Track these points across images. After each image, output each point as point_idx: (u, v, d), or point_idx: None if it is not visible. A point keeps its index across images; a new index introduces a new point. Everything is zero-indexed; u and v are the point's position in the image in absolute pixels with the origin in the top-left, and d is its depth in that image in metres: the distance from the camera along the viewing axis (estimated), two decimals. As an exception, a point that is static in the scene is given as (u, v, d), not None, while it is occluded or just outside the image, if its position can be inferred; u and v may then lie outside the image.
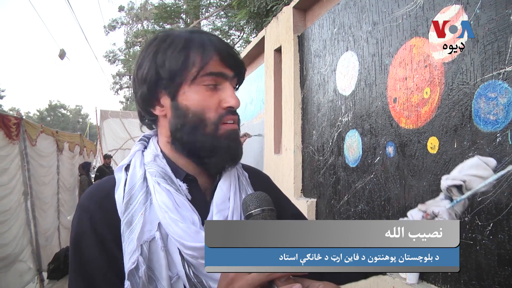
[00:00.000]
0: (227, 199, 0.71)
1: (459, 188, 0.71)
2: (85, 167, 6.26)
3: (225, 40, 0.76)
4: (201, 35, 0.70)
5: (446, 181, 0.72)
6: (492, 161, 0.72)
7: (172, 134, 0.70)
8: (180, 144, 0.70)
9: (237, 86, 0.76)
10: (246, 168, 0.84)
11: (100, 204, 0.66)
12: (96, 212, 0.65)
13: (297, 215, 0.90)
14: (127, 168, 0.70)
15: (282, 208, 0.82)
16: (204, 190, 0.73)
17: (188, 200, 0.68)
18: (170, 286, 0.64)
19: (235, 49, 0.73)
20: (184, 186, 0.69)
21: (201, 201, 0.70)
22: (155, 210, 0.65)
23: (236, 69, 0.70)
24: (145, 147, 0.75)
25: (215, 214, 0.69)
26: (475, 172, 0.71)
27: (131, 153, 0.73)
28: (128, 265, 0.61)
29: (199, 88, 0.67)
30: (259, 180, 0.84)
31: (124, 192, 0.66)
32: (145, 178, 0.68)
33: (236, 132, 0.70)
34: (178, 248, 0.64)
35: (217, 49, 0.68)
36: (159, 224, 0.65)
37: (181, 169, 0.71)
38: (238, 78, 0.73)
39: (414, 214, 0.74)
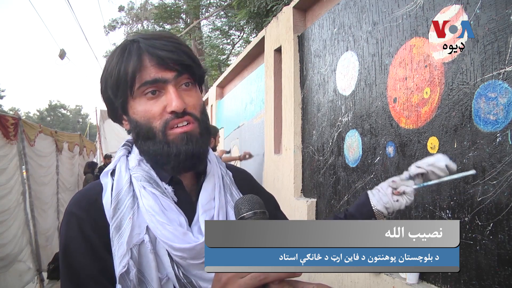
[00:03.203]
0: (212, 199, 0.72)
1: (423, 175, 0.87)
2: (90, 166, 6.51)
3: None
4: (135, 44, 0.67)
5: (416, 168, 0.88)
6: (453, 166, 0.87)
7: (135, 145, 0.73)
8: (143, 155, 0.71)
9: (199, 78, 0.72)
10: (230, 167, 0.85)
11: (88, 210, 0.66)
12: (84, 219, 0.65)
13: (277, 206, 0.93)
14: (112, 173, 0.71)
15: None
16: (190, 191, 0.74)
17: (175, 202, 0.68)
18: (161, 287, 0.65)
19: (177, 47, 0.67)
20: (170, 188, 0.70)
21: (187, 202, 0.71)
22: (142, 214, 0.66)
23: (177, 67, 0.66)
24: (129, 152, 0.75)
25: (201, 214, 0.69)
26: (435, 169, 0.86)
27: (115, 159, 0.74)
28: (119, 269, 0.62)
29: (141, 99, 0.67)
30: (243, 179, 0.85)
31: (111, 197, 0.66)
32: (131, 183, 0.68)
33: (189, 133, 0.67)
34: (167, 250, 0.65)
35: (146, 55, 0.65)
36: (147, 227, 0.65)
37: (165, 172, 0.71)
38: (192, 74, 0.69)
39: (384, 187, 0.88)
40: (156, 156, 0.68)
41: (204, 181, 0.73)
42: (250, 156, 3.93)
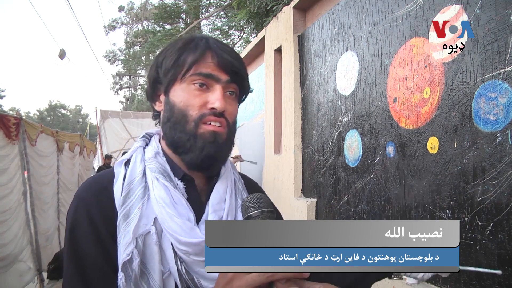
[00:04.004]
0: (222, 200, 0.73)
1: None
2: None
3: (226, 41, 0.77)
4: (204, 39, 0.72)
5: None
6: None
7: (162, 127, 0.74)
8: (166, 138, 0.73)
9: (241, 96, 0.77)
10: (243, 176, 0.87)
11: (97, 196, 0.67)
12: (92, 204, 0.66)
13: None
14: (127, 163, 0.72)
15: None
16: (200, 190, 0.75)
17: (185, 198, 0.69)
18: (162, 281, 0.65)
19: (238, 58, 0.74)
20: (181, 184, 0.71)
21: (196, 201, 0.72)
22: (152, 206, 0.67)
23: (232, 74, 0.71)
24: (147, 144, 0.77)
25: (210, 213, 0.70)
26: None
27: (132, 149, 0.75)
28: (122, 256, 0.63)
29: (188, 86, 0.69)
30: (254, 189, 0.86)
31: (123, 186, 0.68)
32: (144, 174, 0.70)
33: (218, 135, 0.69)
34: (172, 244, 0.66)
35: (211, 52, 0.69)
36: (155, 219, 0.66)
37: (179, 168, 0.73)
38: (240, 87, 0.74)
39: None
40: (179, 142, 0.70)
41: (217, 183, 0.75)
42: (241, 159, 3.94)
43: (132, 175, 0.69)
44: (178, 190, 0.69)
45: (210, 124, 0.69)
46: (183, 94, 0.69)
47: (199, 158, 0.69)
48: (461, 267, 0.84)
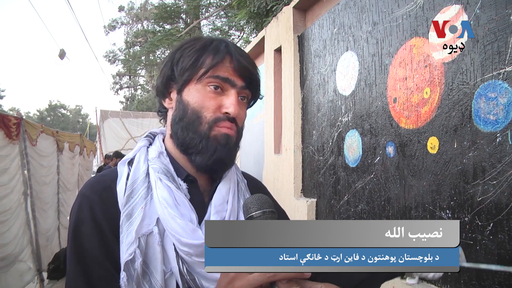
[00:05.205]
0: (225, 201, 0.73)
1: None
2: None
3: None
4: (224, 43, 0.73)
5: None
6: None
7: (171, 126, 0.74)
8: (175, 137, 0.73)
9: (250, 101, 0.78)
10: (246, 176, 0.87)
11: (101, 195, 0.67)
12: (96, 202, 0.66)
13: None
14: (130, 162, 0.72)
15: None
16: (203, 191, 0.75)
17: (187, 199, 0.70)
18: (164, 281, 0.65)
19: (254, 64, 0.74)
20: (184, 185, 0.71)
21: (199, 201, 0.72)
22: (155, 206, 0.67)
23: (247, 80, 0.71)
24: (150, 144, 0.77)
25: (212, 214, 0.71)
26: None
27: (135, 148, 0.76)
28: (125, 256, 0.63)
29: (204, 88, 0.70)
30: (257, 188, 0.87)
31: (126, 185, 0.68)
32: (147, 174, 0.70)
33: (230, 138, 0.70)
34: (174, 245, 0.66)
35: (230, 56, 0.70)
36: (158, 219, 0.67)
37: (182, 169, 0.73)
38: (252, 93, 0.75)
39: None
40: (191, 143, 0.70)
41: (220, 183, 0.75)
42: None
43: (135, 175, 0.69)
44: (181, 191, 0.70)
45: (222, 127, 0.70)
46: (198, 95, 0.70)
47: (210, 160, 0.69)
48: (470, 265, 0.81)
